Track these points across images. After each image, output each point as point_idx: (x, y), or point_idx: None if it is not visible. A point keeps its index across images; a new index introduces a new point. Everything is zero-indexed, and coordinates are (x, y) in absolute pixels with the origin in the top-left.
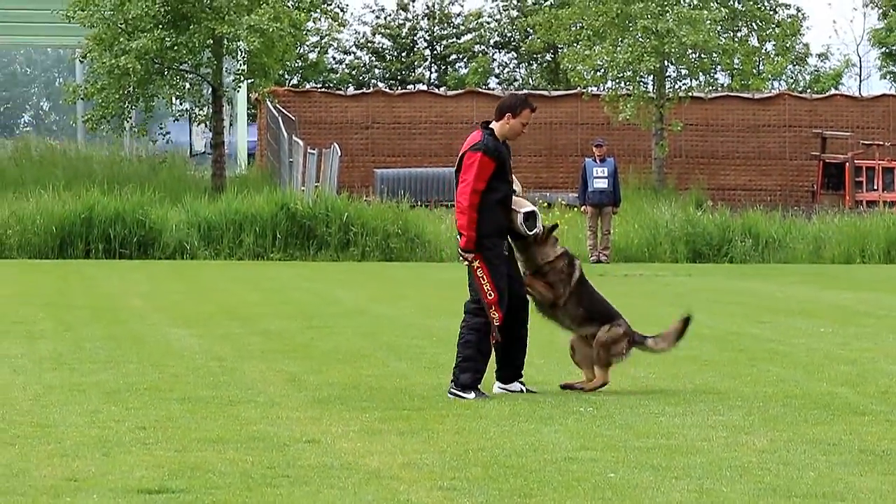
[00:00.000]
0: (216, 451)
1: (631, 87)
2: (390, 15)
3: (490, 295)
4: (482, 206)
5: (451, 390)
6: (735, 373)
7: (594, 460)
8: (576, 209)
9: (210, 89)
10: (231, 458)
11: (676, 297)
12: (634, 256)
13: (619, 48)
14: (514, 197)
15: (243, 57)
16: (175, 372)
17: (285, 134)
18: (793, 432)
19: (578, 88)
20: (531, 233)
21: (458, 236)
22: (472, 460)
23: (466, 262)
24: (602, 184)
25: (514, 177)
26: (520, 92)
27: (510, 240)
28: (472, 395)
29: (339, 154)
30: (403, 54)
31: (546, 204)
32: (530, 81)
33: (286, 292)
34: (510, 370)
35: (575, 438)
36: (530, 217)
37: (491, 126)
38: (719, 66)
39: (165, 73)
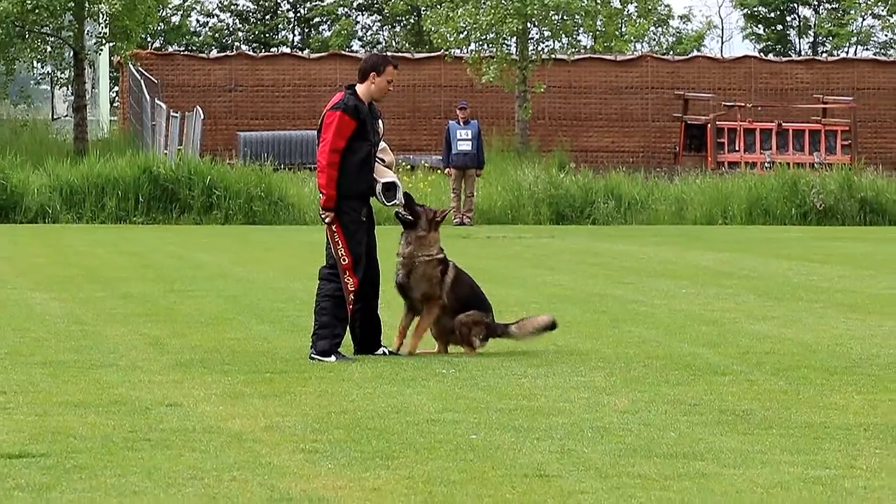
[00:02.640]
0: (77, 415)
1: (494, 50)
2: None
3: (344, 259)
4: (341, 168)
5: (312, 356)
6: (597, 334)
7: (456, 422)
8: (439, 171)
9: (72, 52)
10: (92, 422)
11: (539, 259)
12: (498, 219)
13: (481, 10)
14: (378, 166)
15: (105, 20)
16: (36, 336)
17: (148, 97)
18: (654, 393)
19: (441, 51)
20: (388, 203)
21: (320, 196)
22: (334, 423)
23: (326, 223)
24: (466, 146)
25: (386, 146)
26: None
27: (399, 219)
28: (333, 358)
29: (202, 117)
30: (267, 17)
31: (409, 167)
32: (394, 44)
33: (149, 256)
34: (368, 343)
35: (437, 400)
36: (390, 188)
37: (355, 87)
38: (582, 28)
39: (27, 36)
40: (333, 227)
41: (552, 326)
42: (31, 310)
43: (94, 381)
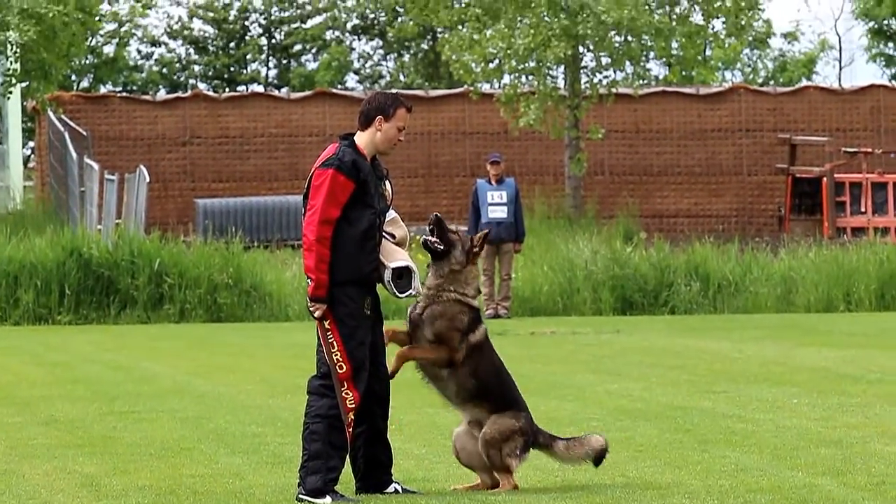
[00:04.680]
0: None
1: (535, 83)
2: None
3: (341, 367)
4: (336, 243)
5: (300, 496)
6: (681, 461)
7: None
8: None
9: None
10: None
11: (600, 361)
12: (544, 308)
13: (517, 31)
14: (386, 243)
15: (14, 52)
16: None
17: (74, 154)
18: None
19: (465, 86)
20: (402, 295)
21: (307, 282)
22: None
23: (315, 318)
24: (499, 213)
25: (396, 216)
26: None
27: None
28: (328, 499)
29: (148, 180)
30: (231, 45)
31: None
32: (401, 78)
33: (79, 367)
34: (374, 478)
35: None
36: (403, 274)
37: (353, 138)
38: (652, 53)
39: None
40: (326, 324)
41: (604, 453)
42: None
43: None
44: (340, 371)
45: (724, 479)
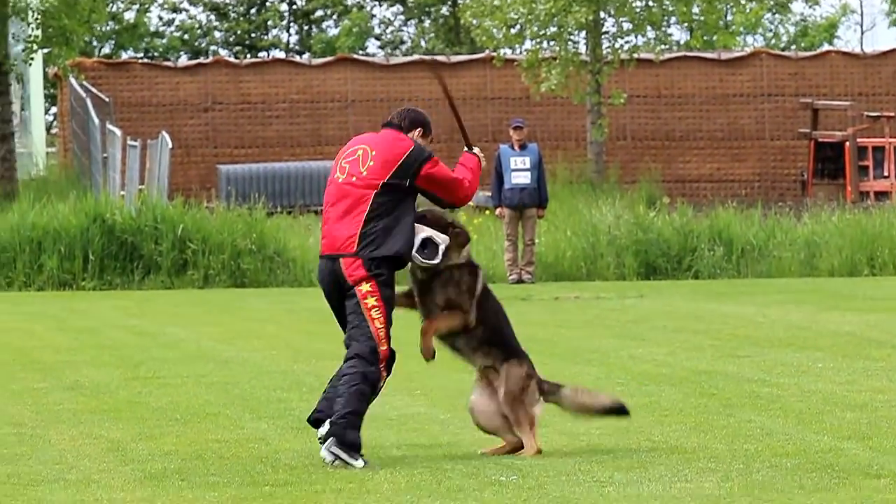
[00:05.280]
0: None
1: (557, 48)
2: None
3: (383, 346)
4: (401, 219)
5: (333, 449)
6: (705, 425)
7: None
8: (488, 212)
9: None
10: None
11: (624, 326)
12: (568, 274)
13: None
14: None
15: (35, 18)
16: None
17: (96, 120)
18: (784, 503)
19: (486, 51)
20: (429, 262)
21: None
22: None
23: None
24: (522, 178)
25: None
26: (410, 59)
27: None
28: (361, 462)
29: (170, 146)
30: (252, 11)
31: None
32: (422, 43)
33: (103, 332)
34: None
35: None
36: (427, 244)
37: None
38: (673, 18)
39: None
40: (374, 300)
41: (618, 411)
42: None
43: (34, 501)
44: (382, 349)
45: (749, 444)
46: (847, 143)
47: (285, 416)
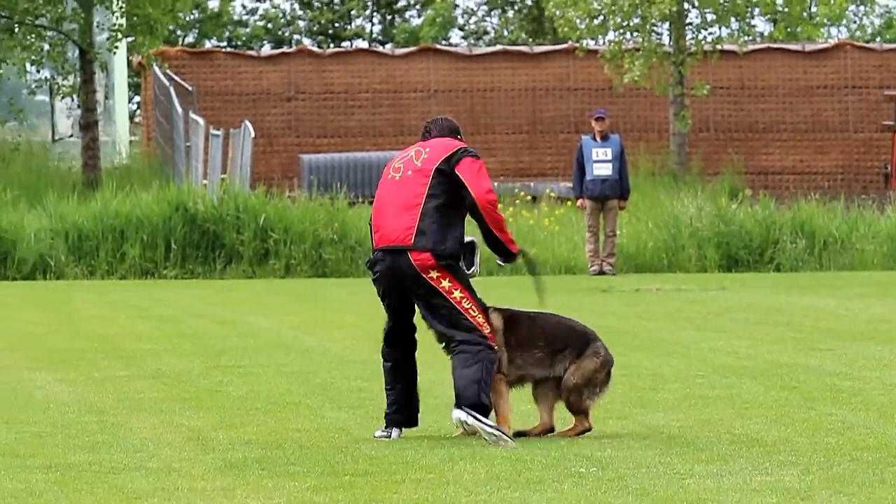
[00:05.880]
0: None
1: (640, 40)
2: None
3: (480, 318)
4: (456, 222)
5: (466, 410)
6: (786, 418)
7: None
8: (570, 203)
9: (77, 51)
10: None
11: (705, 319)
12: (649, 265)
13: None
14: None
15: (120, 7)
16: (37, 430)
17: (179, 110)
18: (866, 497)
19: (569, 42)
20: (468, 271)
21: (501, 251)
22: None
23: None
24: (604, 170)
25: None
26: (493, 49)
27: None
28: (508, 439)
29: (253, 135)
30: (336, 0)
31: (530, 197)
32: (505, 34)
33: (185, 321)
34: (409, 411)
35: None
36: (470, 250)
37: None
38: (757, 9)
39: (15, 29)
40: (457, 293)
41: None
42: (29, 396)
43: (116, 488)
44: (487, 329)
45: (830, 437)
46: None
47: (365, 405)
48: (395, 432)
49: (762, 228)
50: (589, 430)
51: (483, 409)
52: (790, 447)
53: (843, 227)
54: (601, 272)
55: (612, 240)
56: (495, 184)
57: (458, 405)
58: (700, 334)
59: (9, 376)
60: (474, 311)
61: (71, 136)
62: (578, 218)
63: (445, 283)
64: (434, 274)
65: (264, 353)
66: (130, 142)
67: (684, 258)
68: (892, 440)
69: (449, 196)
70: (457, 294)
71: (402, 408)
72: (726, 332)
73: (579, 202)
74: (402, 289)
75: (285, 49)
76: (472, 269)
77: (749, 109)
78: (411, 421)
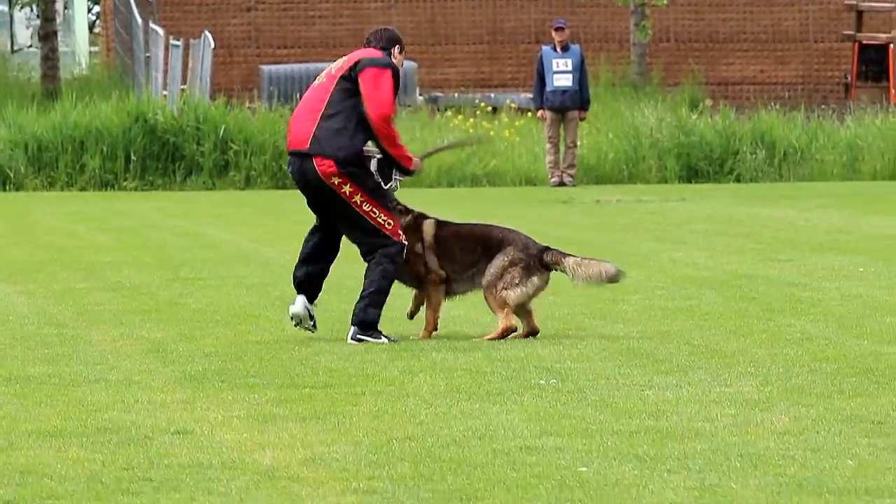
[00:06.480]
0: (54, 447)
1: None
2: None
3: (389, 224)
4: (356, 130)
5: (357, 336)
6: (745, 329)
7: (560, 450)
8: (530, 114)
9: None
10: (74, 457)
11: (665, 230)
12: (609, 176)
13: None
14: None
15: None
16: None
17: (139, 19)
18: (824, 408)
19: None
20: (386, 186)
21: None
22: (396, 453)
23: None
24: (564, 80)
25: None
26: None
27: None
28: (384, 339)
29: (213, 45)
30: None
31: (491, 108)
32: None
33: (145, 233)
34: (310, 285)
35: (534, 421)
36: (388, 164)
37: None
38: None
39: None
40: (357, 199)
41: (615, 279)
42: None
43: (75, 401)
44: (389, 227)
45: (789, 348)
46: (891, 46)
47: (325, 318)
48: (299, 300)
49: (722, 139)
50: (513, 329)
51: (365, 326)
52: (749, 358)
53: (802, 137)
54: (561, 183)
55: (572, 151)
56: (455, 94)
57: (353, 322)
58: (660, 245)
59: None
60: (375, 213)
61: (30, 46)
62: (539, 129)
63: (346, 189)
64: (336, 180)
65: (224, 266)
66: (90, 52)
67: (644, 169)
68: (850, 351)
69: (350, 104)
70: (357, 198)
71: (309, 277)
72: (686, 243)
73: (539, 113)
74: (310, 190)
75: None
76: (391, 183)
77: (709, 19)
78: (310, 298)
